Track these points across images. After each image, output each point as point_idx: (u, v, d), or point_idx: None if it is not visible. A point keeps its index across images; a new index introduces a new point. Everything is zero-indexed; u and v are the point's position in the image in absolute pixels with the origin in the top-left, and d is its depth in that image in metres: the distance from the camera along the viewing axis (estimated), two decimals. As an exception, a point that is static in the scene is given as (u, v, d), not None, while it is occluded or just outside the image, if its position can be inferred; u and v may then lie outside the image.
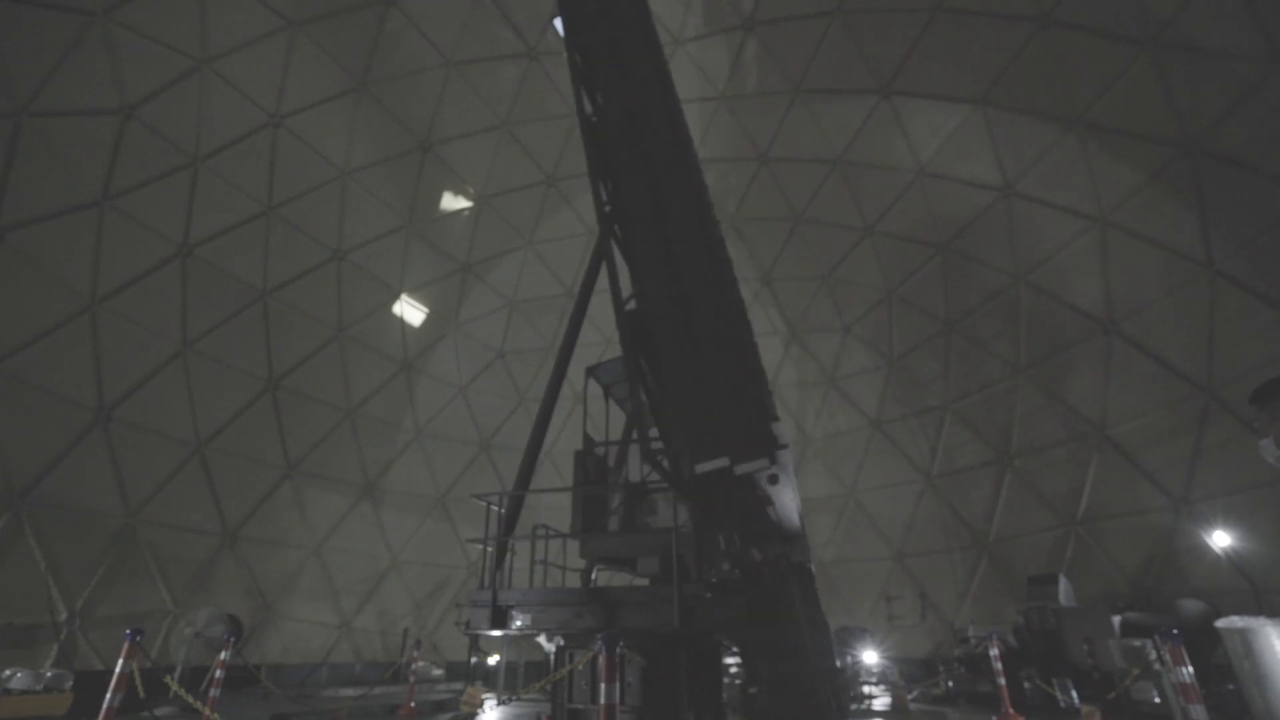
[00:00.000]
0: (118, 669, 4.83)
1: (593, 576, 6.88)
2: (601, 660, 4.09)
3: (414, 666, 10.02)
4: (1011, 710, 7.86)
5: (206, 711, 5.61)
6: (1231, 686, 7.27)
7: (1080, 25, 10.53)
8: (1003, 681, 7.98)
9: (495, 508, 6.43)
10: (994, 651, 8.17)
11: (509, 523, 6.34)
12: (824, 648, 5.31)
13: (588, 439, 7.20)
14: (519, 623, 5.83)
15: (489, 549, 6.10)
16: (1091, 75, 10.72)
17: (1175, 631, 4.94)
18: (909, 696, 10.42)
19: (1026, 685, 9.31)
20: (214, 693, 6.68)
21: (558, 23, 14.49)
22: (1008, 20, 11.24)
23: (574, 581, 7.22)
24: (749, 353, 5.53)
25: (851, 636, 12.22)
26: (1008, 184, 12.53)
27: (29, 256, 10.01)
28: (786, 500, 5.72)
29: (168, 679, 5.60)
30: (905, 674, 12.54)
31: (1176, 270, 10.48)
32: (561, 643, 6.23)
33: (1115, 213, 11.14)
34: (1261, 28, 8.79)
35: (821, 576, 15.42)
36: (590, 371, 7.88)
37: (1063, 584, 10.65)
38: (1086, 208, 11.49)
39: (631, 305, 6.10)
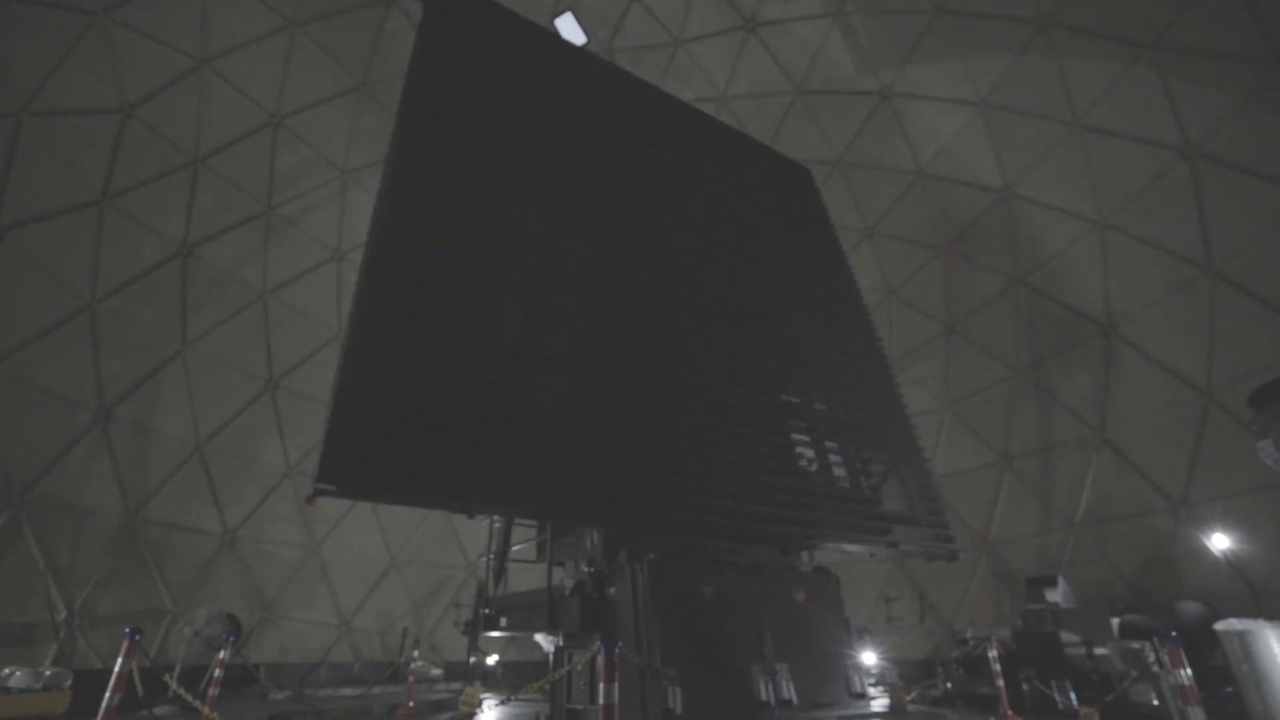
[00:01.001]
0: (117, 668, 4.82)
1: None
2: (600, 660, 4.10)
3: (413, 666, 10.00)
4: (1010, 712, 7.84)
5: (206, 711, 5.60)
6: (1230, 689, 7.26)
7: (1080, 27, 10.53)
8: (1001, 683, 7.98)
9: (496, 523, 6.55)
10: (992, 653, 8.16)
11: (504, 538, 6.45)
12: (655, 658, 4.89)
13: None
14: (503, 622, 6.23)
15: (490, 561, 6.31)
16: (1092, 77, 10.73)
17: (1174, 634, 4.94)
18: (907, 698, 10.40)
19: (1025, 687, 9.29)
20: (213, 692, 6.68)
21: (558, 22, 14.49)
22: (1008, 22, 11.24)
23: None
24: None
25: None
26: (1008, 186, 12.53)
27: (29, 256, 10.01)
28: None
29: (167, 678, 5.59)
30: (904, 675, 12.53)
31: (1176, 272, 10.48)
32: (560, 642, 6.26)
33: (1115, 215, 11.14)
34: (1262, 30, 8.79)
35: (821, 577, 15.44)
36: None
37: (1061, 585, 10.63)
38: (1086, 210, 11.49)
39: None
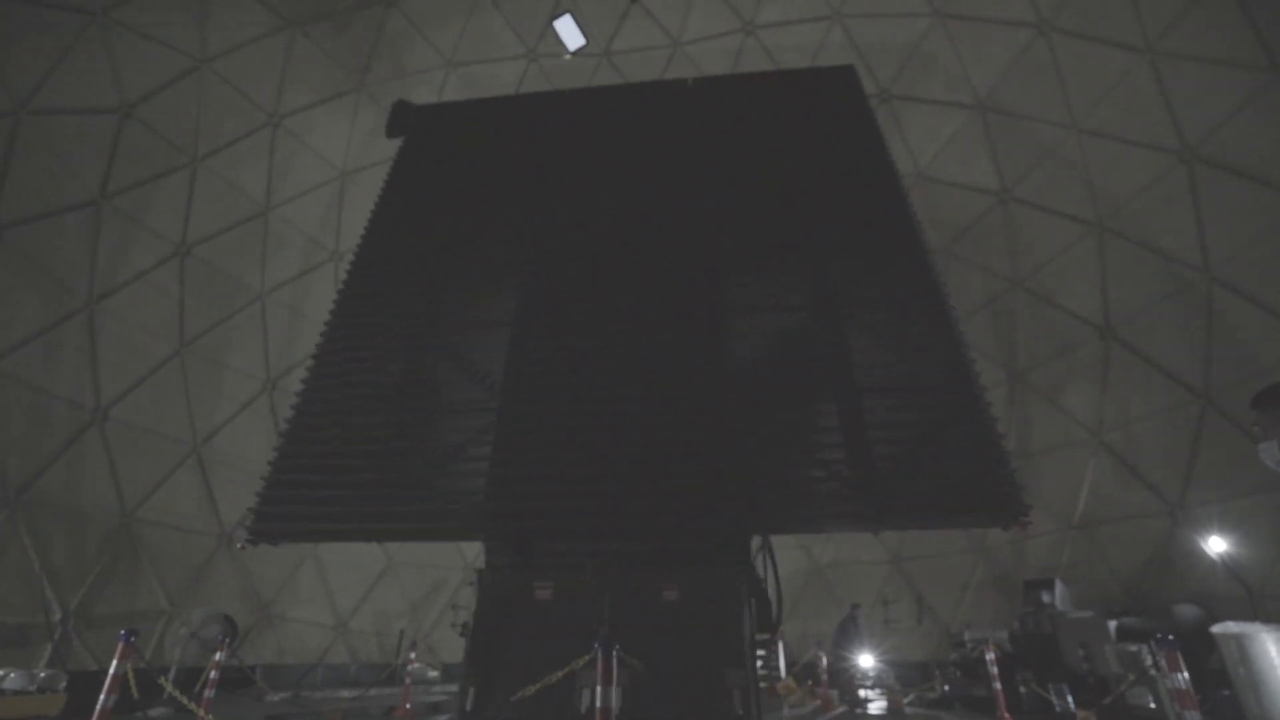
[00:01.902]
0: (112, 669, 4.80)
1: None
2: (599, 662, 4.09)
3: (410, 668, 9.98)
4: (1007, 715, 7.85)
5: (201, 712, 5.58)
6: (1227, 692, 7.27)
7: (1079, 32, 10.57)
8: (998, 686, 7.98)
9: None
10: (990, 656, 8.17)
11: None
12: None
13: None
14: None
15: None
16: (1089, 81, 10.76)
17: (1171, 637, 4.94)
18: (904, 700, 10.40)
19: (1022, 690, 9.30)
20: (208, 694, 6.66)
21: (557, 24, 14.49)
22: (1006, 25, 11.28)
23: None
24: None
25: (842, 633, 11.96)
26: (1006, 188, 12.56)
27: (26, 255, 9.98)
28: None
29: (162, 680, 5.58)
30: (901, 678, 12.51)
31: (1173, 276, 10.51)
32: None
33: (1113, 218, 11.17)
34: (1259, 36, 8.83)
35: (818, 579, 15.43)
36: None
37: (1059, 588, 10.64)
38: (1084, 213, 11.52)
39: None
